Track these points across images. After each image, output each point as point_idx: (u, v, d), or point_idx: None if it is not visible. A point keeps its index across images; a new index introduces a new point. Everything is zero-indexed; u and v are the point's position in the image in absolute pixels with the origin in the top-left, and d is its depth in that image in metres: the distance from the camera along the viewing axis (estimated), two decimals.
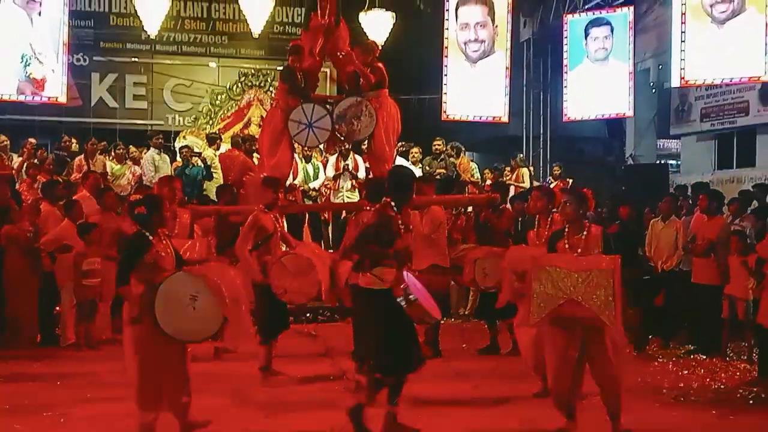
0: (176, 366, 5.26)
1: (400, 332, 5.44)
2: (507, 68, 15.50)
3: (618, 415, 5.48)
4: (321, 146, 10.78)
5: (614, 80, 15.16)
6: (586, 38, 15.42)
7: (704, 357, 8.35)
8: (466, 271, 8.07)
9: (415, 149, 12.79)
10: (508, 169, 14.05)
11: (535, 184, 13.13)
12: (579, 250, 5.49)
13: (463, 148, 13.84)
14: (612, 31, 15.24)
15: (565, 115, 15.82)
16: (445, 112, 15.24)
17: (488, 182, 13.17)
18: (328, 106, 8.76)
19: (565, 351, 5.40)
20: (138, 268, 5.23)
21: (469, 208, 10.44)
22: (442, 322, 8.27)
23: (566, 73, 15.65)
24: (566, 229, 5.66)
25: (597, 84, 15.31)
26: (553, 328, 5.44)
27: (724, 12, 12.71)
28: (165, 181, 8.39)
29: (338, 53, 9.03)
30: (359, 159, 11.77)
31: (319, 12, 8.98)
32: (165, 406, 5.29)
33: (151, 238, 5.30)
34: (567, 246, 5.56)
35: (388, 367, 5.42)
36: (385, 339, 5.43)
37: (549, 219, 6.80)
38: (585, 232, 5.57)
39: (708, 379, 7.49)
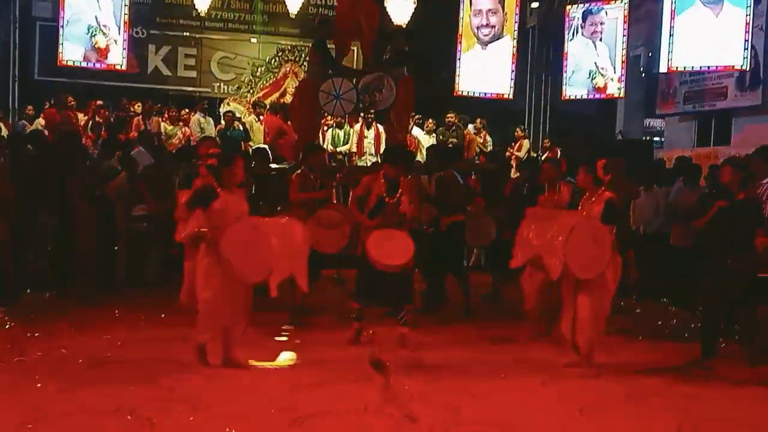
0: (236, 298, 5.31)
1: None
2: (513, 51, 15.37)
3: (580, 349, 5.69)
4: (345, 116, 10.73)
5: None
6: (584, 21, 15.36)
7: (675, 309, 8.32)
8: None
9: (429, 121, 12.75)
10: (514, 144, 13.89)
11: (532, 154, 13.07)
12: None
13: (471, 122, 13.70)
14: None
15: (563, 94, 15.71)
16: (457, 86, 15.15)
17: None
18: (354, 82, 8.72)
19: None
20: (207, 214, 5.29)
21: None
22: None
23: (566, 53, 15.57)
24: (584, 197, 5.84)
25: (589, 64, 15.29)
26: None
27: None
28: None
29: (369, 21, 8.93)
30: (381, 128, 11.70)
31: None
32: (218, 331, 5.36)
33: (219, 189, 5.33)
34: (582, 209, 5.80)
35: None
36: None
37: (557, 185, 6.87)
38: (593, 199, 5.76)
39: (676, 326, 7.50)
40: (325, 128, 12.21)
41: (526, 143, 13.68)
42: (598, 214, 5.64)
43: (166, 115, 12.86)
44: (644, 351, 6.54)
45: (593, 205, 5.73)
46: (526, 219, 6.59)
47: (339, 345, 6.24)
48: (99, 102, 12.39)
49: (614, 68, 15.05)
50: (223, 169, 5.47)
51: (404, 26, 9.81)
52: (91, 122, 11.79)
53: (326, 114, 9.86)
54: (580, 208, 5.81)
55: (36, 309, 7.20)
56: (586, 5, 15.37)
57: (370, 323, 6.44)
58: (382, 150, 11.16)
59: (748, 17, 12.41)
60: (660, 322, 7.73)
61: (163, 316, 7.03)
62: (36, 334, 6.23)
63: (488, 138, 13.46)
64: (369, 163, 11.57)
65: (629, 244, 6.36)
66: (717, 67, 13.17)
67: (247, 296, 5.42)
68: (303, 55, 15.47)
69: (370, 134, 11.79)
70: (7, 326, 6.42)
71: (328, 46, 9.07)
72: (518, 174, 9.14)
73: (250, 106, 13.74)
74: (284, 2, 15.09)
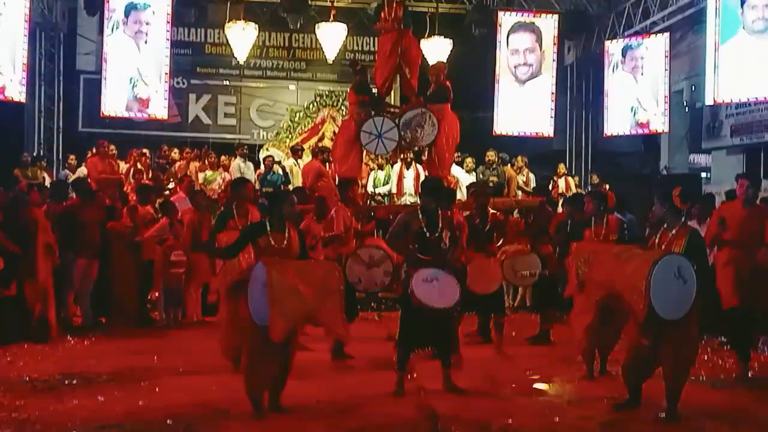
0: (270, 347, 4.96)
1: None
2: (552, 89, 15.21)
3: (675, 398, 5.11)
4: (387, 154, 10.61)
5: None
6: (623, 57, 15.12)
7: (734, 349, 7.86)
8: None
9: (469, 159, 12.59)
10: (557, 178, 13.55)
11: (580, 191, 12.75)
12: (663, 245, 5.12)
13: (510, 160, 13.46)
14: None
15: (605, 131, 15.44)
16: (495, 126, 15.03)
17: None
18: (395, 121, 8.61)
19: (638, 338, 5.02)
20: (254, 250, 5.15)
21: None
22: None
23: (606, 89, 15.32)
24: (661, 230, 5.26)
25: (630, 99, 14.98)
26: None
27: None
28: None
29: (411, 58, 8.86)
30: (420, 168, 11.54)
31: (385, 18, 8.88)
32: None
33: (268, 227, 5.17)
34: (656, 241, 5.22)
35: None
36: None
37: (604, 219, 6.61)
38: (674, 231, 5.18)
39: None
40: (368, 170, 12.16)
41: (570, 180, 13.36)
42: (680, 248, 5.07)
43: (206, 162, 12.89)
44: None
45: (674, 238, 5.15)
46: (574, 254, 6.34)
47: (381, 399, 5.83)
48: (143, 150, 12.51)
49: (657, 102, 14.76)
50: (272, 208, 5.31)
51: (445, 64, 9.67)
52: (132, 170, 11.87)
53: (369, 154, 9.71)
54: (657, 241, 5.25)
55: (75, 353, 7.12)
56: (626, 41, 15.18)
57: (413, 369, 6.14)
58: None
59: None
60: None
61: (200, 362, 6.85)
62: (74, 382, 6.10)
63: (530, 175, 13.19)
64: (409, 203, 11.38)
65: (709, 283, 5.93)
66: (765, 98, 12.75)
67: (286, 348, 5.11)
68: (341, 100, 15.47)
69: (409, 174, 11.63)
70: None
71: (369, 86, 9.00)
72: (562, 210, 8.84)
73: (289, 150, 13.75)
74: (321, 49, 15.27)
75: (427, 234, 5.75)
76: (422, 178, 11.49)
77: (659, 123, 14.86)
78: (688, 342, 5.02)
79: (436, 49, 14.55)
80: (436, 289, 5.60)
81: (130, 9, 14.32)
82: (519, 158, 13.27)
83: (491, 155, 12.67)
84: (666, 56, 14.67)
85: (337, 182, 7.62)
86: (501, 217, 8.06)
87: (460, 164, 12.39)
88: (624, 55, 15.05)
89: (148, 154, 12.70)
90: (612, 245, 5.86)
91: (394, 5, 9.10)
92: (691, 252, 5.03)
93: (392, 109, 9.10)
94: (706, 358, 7.46)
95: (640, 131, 15.28)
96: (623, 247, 5.41)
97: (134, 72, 14.32)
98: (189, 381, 6.21)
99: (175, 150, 13.22)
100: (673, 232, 5.16)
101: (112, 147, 12.15)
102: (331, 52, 15.12)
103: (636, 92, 15.04)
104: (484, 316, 7.77)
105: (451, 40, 14.92)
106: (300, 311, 4.90)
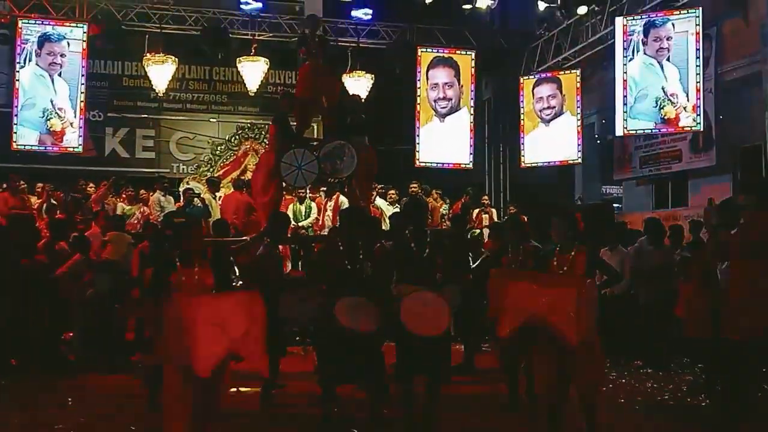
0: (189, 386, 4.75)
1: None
2: (471, 123, 15.55)
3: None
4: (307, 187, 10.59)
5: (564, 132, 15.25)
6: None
7: (651, 371, 8.13)
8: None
9: (392, 191, 12.69)
10: (478, 210, 13.71)
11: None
12: (564, 268, 5.23)
13: (431, 190, 13.65)
14: (560, 89, 15.36)
15: (522, 161, 15.83)
16: (417, 159, 15.24)
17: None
18: (315, 153, 8.62)
19: (550, 366, 5.07)
20: (164, 290, 4.93)
21: None
22: None
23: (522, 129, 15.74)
24: (557, 249, 5.36)
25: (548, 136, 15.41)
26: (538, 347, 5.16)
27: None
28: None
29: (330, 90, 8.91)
30: (342, 199, 11.55)
31: (306, 51, 8.95)
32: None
33: (177, 263, 5.01)
34: (555, 264, 5.29)
35: None
36: None
37: (520, 247, 6.69)
38: (573, 252, 5.27)
39: (659, 390, 7.28)
40: (289, 204, 12.04)
41: (492, 211, 13.63)
42: (580, 269, 5.23)
43: (123, 196, 12.56)
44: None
45: (573, 259, 5.27)
46: (493, 281, 6.40)
47: None
48: (47, 185, 12.05)
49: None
50: (179, 244, 5.16)
51: (361, 97, 9.77)
52: (45, 205, 11.43)
53: (289, 186, 9.65)
54: (555, 264, 5.33)
55: None
56: (539, 75, 15.66)
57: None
58: None
59: (698, 84, 12.67)
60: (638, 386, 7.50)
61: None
62: None
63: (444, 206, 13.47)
64: None
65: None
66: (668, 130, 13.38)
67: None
68: (263, 133, 15.42)
69: (330, 206, 11.62)
70: None
71: (289, 119, 8.99)
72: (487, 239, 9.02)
73: (206, 183, 13.55)
74: (243, 82, 15.19)
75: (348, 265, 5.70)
76: (344, 206, 11.58)
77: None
78: (593, 362, 5.08)
79: (358, 84, 14.72)
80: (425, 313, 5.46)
81: (43, 40, 13.91)
82: (433, 192, 13.50)
83: (414, 186, 12.83)
84: (578, 93, 15.20)
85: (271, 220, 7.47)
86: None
87: (384, 196, 12.48)
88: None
89: (57, 189, 12.25)
90: (525, 272, 5.90)
91: (316, 40, 9.18)
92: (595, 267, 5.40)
93: (312, 142, 9.11)
94: (623, 381, 7.70)
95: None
96: (534, 273, 5.46)
97: (48, 104, 13.89)
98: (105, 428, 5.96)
99: (91, 184, 12.83)
100: (573, 253, 5.26)
101: (22, 182, 11.71)
102: (253, 85, 15.08)
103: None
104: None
105: (373, 75, 15.13)
106: (221, 344, 4.69)
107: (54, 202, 11.58)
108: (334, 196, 11.66)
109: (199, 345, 4.54)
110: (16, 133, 13.73)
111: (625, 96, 13.25)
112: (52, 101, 13.91)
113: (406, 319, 5.32)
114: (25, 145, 13.87)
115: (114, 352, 8.25)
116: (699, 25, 12.65)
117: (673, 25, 12.95)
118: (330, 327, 5.45)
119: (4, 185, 11.70)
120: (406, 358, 5.51)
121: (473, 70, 15.58)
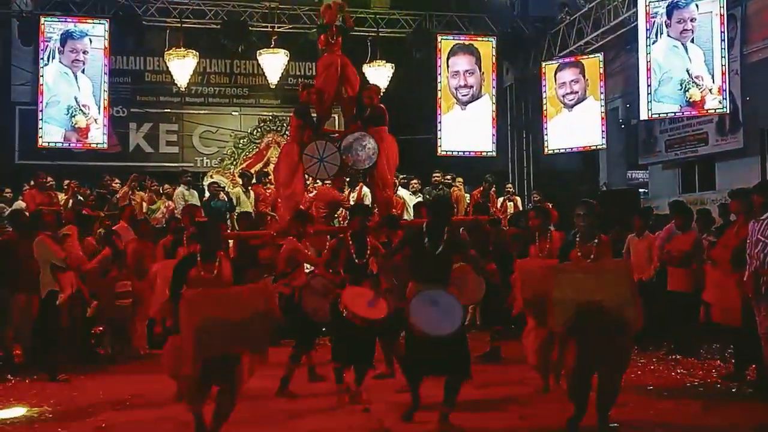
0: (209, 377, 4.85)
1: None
2: (493, 110, 15.45)
3: (609, 409, 5.17)
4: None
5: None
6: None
7: (679, 357, 8.04)
8: None
9: (415, 180, 12.67)
10: (502, 198, 13.62)
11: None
12: (592, 257, 5.21)
13: (455, 179, 13.58)
14: (582, 74, 15.21)
15: (545, 148, 15.70)
16: (439, 147, 15.19)
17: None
18: (336, 144, 8.61)
19: (585, 356, 4.99)
20: (188, 283, 4.96)
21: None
22: None
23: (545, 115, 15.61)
24: (577, 239, 5.34)
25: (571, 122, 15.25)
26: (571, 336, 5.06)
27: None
28: (188, 209, 8.24)
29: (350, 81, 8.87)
30: (366, 189, 11.54)
31: (326, 41, 8.92)
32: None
33: (198, 258, 5.03)
34: (579, 254, 5.26)
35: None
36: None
37: (548, 234, 6.61)
38: (596, 240, 5.26)
39: (688, 376, 7.20)
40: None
41: (517, 199, 13.56)
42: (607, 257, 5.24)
43: (148, 190, 12.66)
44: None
45: (598, 247, 5.27)
46: (521, 272, 6.36)
47: None
48: (73, 182, 12.15)
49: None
50: (201, 239, 5.19)
51: (381, 87, 9.73)
52: (71, 201, 11.55)
53: (310, 177, 9.66)
54: (580, 254, 5.29)
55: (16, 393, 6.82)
56: (562, 60, 15.51)
57: None
58: None
59: (723, 66, 12.49)
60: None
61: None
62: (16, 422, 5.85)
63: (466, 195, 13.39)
64: None
65: None
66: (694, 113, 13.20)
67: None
68: (285, 125, 15.45)
69: (352, 198, 11.63)
70: None
71: (310, 111, 8.98)
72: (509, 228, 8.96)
73: (236, 177, 13.60)
74: (264, 74, 15.23)
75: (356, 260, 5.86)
76: (366, 199, 11.57)
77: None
78: (620, 351, 5.05)
79: (379, 73, 14.68)
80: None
81: (66, 38, 14.07)
82: (457, 180, 13.41)
83: (437, 176, 12.79)
84: (601, 78, 15.05)
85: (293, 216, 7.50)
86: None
87: (406, 186, 12.46)
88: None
89: (83, 185, 12.37)
90: (554, 261, 5.86)
91: (335, 30, 9.15)
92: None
93: (333, 134, 9.10)
94: (652, 368, 7.63)
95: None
96: (576, 262, 5.38)
97: (72, 101, 14.05)
98: (136, 415, 6.03)
99: (117, 180, 12.94)
100: (595, 241, 5.26)
101: (49, 178, 11.85)
102: (273, 78, 15.11)
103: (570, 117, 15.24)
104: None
105: (393, 64, 15.07)
106: (223, 338, 4.71)
107: (80, 198, 11.70)
108: (357, 187, 11.67)
109: (200, 340, 4.61)
110: (41, 129, 13.92)
111: (649, 79, 13.11)
112: (76, 98, 14.07)
113: (415, 320, 5.25)
114: (50, 143, 14.07)
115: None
116: (723, 5, 12.46)
117: (696, 6, 12.79)
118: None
119: (32, 182, 11.85)
120: (417, 358, 5.36)
121: (494, 56, 15.49)
